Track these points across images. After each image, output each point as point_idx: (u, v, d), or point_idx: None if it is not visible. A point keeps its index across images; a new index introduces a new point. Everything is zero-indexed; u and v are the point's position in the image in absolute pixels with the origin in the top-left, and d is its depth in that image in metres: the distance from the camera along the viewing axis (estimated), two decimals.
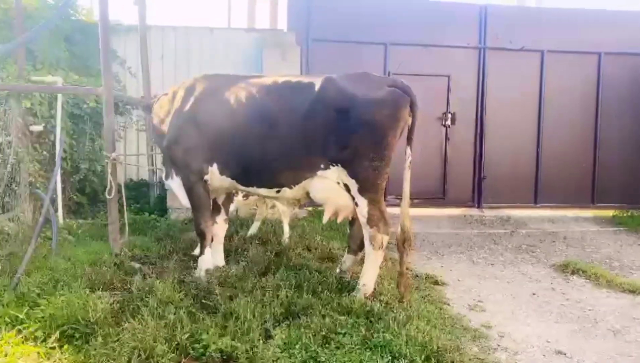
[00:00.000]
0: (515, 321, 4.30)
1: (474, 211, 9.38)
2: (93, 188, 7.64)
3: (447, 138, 9.42)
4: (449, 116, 9.34)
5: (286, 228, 6.18)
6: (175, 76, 8.89)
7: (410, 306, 4.10)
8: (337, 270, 4.80)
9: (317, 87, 4.23)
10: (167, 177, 5.03)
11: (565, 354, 3.68)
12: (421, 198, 9.11)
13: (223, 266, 4.97)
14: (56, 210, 6.39)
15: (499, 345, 3.78)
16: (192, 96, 4.68)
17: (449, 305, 4.60)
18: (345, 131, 4.10)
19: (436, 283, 5.20)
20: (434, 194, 9.44)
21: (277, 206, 6.11)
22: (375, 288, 4.34)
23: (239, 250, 5.59)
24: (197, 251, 5.32)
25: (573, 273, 5.70)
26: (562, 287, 5.24)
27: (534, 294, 5.00)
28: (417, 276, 5.33)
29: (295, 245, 5.77)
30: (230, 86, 4.57)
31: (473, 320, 4.23)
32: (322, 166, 4.25)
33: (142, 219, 7.17)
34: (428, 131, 9.24)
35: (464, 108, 9.43)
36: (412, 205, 8.57)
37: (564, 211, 9.51)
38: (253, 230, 6.26)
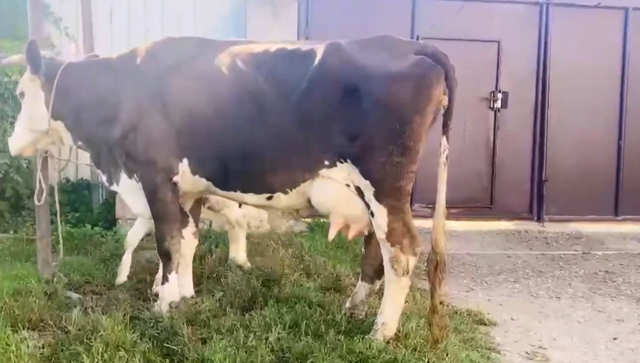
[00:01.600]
0: None
1: (532, 226, 9.42)
2: (16, 190, 7.65)
3: (496, 126, 9.46)
4: (499, 96, 9.37)
5: (242, 253, 6.06)
6: (128, 40, 8.91)
7: (447, 355, 4.10)
8: (347, 304, 4.80)
9: (318, 57, 4.23)
10: (111, 181, 5.02)
11: None
12: (461, 206, 9.15)
13: (192, 298, 4.98)
14: None
15: None
16: (155, 67, 4.68)
17: (499, 352, 4.59)
18: (356, 115, 4.11)
19: (482, 322, 5.19)
20: (478, 202, 9.50)
21: (227, 217, 5.95)
22: (399, 329, 4.34)
23: (214, 275, 5.60)
24: (156, 278, 5.31)
25: None
26: None
27: (615, 338, 4.99)
28: (457, 312, 5.32)
29: (290, 270, 5.77)
30: (205, 54, 4.58)
31: None
32: (326, 162, 4.25)
33: (82, 234, 7.19)
34: (471, 117, 9.31)
35: (519, 86, 9.50)
36: (449, 216, 8.64)
37: None
38: (233, 254, 6.10)
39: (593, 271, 7.13)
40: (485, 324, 5.18)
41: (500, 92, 9.39)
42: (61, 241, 5.86)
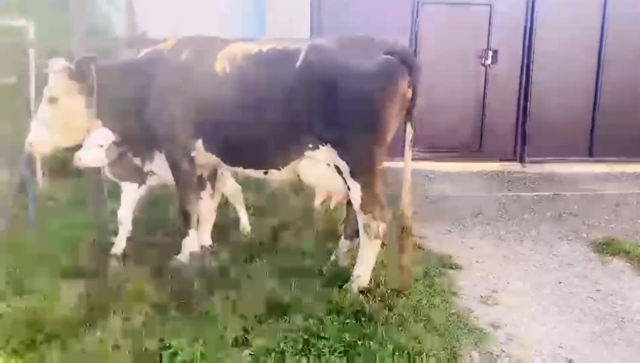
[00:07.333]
0: (530, 319, 4.36)
1: (515, 167, 9.32)
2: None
3: (486, 80, 9.23)
4: (490, 53, 9.11)
5: (244, 219, 5.74)
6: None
7: (410, 301, 4.25)
8: (332, 257, 4.95)
9: (301, 56, 4.23)
10: (144, 161, 5.09)
11: None
12: (454, 150, 9.14)
13: (210, 246, 5.22)
14: (34, 171, 6.61)
15: (503, 351, 3.89)
16: (175, 62, 4.69)
17: (458, 296, 4.69)
18: (333, 107, 4.13)
19: (450, 266, 5.28)
20: (469, 146, 9.40)
21: (226, 189, 5.62)
22: (371, 280, 4.48)
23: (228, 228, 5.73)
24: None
25: (614, 254, 5.65)
26: (597, 274, 5.23)
27: (560, 282, 5.02)
28: (429, 257, 5.39)
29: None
30: (214, 52, 4.57)
31: (482, 317, 4.32)
32: (310, 146, 4.32)
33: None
34: (464, 72, 9.10)
35: (508, 44, 9.19)
36: (444, 159, 8.63)
37: (624, 166, 9.32)
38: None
39: (558, 213, 7.04)
40: (453, 268, 5.26)
41: (491, 50, 9.12)
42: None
